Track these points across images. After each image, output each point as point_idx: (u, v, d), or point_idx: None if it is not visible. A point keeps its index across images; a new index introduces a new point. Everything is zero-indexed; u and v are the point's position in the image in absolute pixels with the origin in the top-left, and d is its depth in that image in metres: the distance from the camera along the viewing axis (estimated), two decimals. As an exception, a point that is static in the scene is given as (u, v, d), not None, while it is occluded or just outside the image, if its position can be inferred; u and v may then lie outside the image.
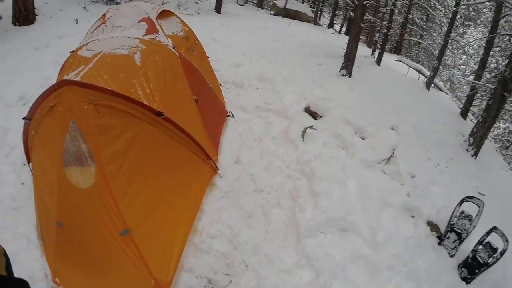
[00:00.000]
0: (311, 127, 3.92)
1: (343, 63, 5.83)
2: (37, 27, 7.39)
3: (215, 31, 7.49)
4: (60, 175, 2.18)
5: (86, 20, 7.49)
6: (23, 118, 2.53)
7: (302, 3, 17.46)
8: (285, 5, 13.67)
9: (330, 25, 15.41)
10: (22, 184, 3.06)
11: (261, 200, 3.15)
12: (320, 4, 17.24)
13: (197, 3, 11.61)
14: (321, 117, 4.33)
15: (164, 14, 3.69)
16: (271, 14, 13.83)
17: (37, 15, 8.01)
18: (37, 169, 2.58)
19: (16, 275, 0.91)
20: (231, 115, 4.20)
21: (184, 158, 2.78)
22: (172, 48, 3.16)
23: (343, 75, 5.79)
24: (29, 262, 2.47)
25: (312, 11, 15.50)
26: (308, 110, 4.49)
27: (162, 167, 2.54)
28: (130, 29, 3.13)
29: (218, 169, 3.27)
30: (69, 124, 2.11)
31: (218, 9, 11.27)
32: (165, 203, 2.51)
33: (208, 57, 4.43)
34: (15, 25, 7.32)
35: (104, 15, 3.46)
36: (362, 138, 3.97)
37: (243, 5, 14.56)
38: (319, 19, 17.01)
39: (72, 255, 2.30)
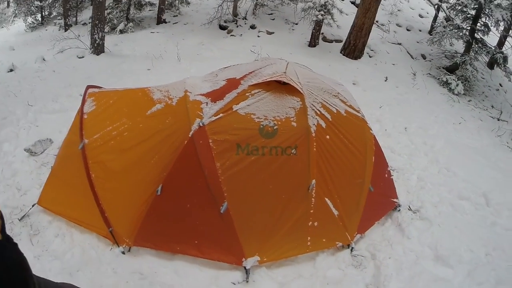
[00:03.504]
0: None
1: None
2: (355, 63, 7.55)
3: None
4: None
5: (393, 85, 6.70)
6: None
7: None
8: None
9: None
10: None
11: None
12: None
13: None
14: None
15: (290, 89, 2.33)
16: None
17: (370, 57, 8.14)
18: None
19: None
20: (247, 272, 2.22)
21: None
22: (199, 124, 2.01)
23: None
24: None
25: None
26: None
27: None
28: (210, 82, 2.40)
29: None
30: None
31: None
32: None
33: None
34: (340, 52, 7.89)
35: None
36: None
37: None
38: None
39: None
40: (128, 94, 2.55)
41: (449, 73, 7.63)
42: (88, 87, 2.67)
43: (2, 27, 12.86)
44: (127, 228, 2.31)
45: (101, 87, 2.81)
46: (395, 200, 3.19)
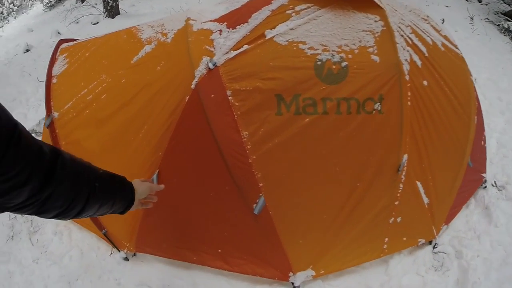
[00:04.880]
0: None
1: None
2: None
3: None
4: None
5: (451, 28, 5.35)
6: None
7: None
8: None
9: None
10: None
11: None
12: None
13: None
14: None
15: (361, 2, 1.28)
16: None
17: None
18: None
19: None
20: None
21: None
22: (207, 66, 1.11)
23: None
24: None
25: None
26: None
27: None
28: (227, 3, 1.43)
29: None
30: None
31: None
32: None
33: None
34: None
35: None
36: None
37: None
38: None
39: None
40: (109, 41, 1.70)
41: (509, 19, 6.14)
42: (61, 41, 1.87)
43: (23, 13, 12.65)
44: (124, 230, 1.58)
45: (77, 39, 1.97)
46: (483, 174, 2.24)
